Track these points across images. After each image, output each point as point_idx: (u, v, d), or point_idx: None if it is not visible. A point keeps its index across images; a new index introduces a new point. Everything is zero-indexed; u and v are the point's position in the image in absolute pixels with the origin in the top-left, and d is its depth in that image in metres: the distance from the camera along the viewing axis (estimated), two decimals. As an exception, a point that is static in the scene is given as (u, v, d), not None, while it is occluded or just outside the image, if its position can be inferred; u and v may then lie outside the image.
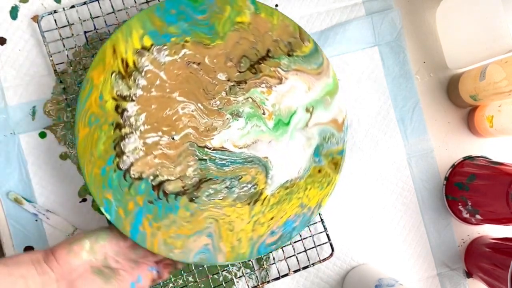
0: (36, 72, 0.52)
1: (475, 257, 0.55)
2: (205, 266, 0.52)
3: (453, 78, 0.57)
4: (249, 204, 0.49)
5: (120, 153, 0.47)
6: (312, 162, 0.50)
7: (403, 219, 0.57)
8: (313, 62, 0.50)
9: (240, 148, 0.50)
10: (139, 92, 0.48)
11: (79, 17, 0.51)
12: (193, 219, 0.48)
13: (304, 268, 0.53)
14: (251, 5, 0.49)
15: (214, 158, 0.49)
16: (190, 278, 0.52)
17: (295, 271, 0.53)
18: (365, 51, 0.56)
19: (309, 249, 0.54)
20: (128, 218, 0.46)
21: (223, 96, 0.50)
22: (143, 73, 0.48)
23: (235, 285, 0.53)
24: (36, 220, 0.51)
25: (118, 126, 0.47)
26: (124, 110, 0.47)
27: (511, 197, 0.47)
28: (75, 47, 0.51)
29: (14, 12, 0.52)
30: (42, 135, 0.52)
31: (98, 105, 0.46)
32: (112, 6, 0.52)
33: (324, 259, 0.53)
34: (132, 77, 0.47)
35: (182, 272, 0.52)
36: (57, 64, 0.51)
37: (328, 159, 0.50)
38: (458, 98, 0.56)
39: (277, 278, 0.53)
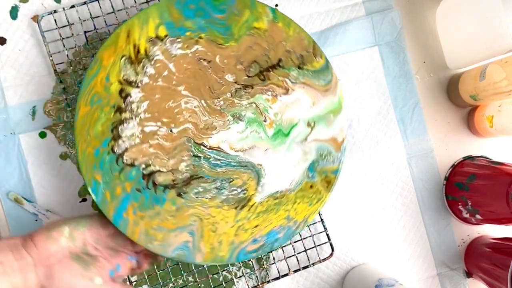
0: (36, 72, 0.52)
1: (475, 257, 0.55)
2: (205, 266, 0.52)
3: (453, 78, 0.57)
4: (236, 208, 0.49)
5: (117, 137, 0.46)
6: (305, 177, 0.50)
7: (403, 219, 0.57)
8: (322, 78, 0.50)
9: (236, 151, 0.50)
10: (145, 79, 0.48)
11: (79, 17, 0.51)
12: (178, 214, 0.47)
13: (304, 268, 0.53)
14: (270, 13, 0.49)
15: (208, 157, 0.49)
16: (190, 278, 0.52)
17: (295, 271, 0.53)
18: (365, 51, 0.56)
19: (309, 249, 0.54)
20: (113, 202, 0.45)
21: (227, 97, 0.50)
22: (152, 62, 0.48)
23: (235, 285, 0.53)
24: (36, 220, 0.51)
25: (119, 110, 0.47)
26: (127, 95, 0.47)
27: (511, 197, 0.47)
28: (75, 47, 0.51)
29: (14, 12, 0.52)
30: (42, 135, 0.52)
31: (103, 86, 0.46)
32: (112, 6, 0.52)
33: (324, 259, 0.53)
34: (141, 64, 0.47)
35: (182, 272, 0.52)
36: (57, 64, 0.51)
37: (321, 176, 0.50)
38: (458, 98, 0.56)
39: (277, 278, 0.53)
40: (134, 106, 0.47)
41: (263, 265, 0.53)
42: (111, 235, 0.45)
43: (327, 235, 0.54)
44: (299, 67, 0.50)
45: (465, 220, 0.56)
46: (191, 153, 0.49)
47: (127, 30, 0.46)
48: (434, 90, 0.58)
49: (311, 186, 0.50)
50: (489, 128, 0.55)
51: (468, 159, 0.57)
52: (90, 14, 0.51)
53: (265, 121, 0.50)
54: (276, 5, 0.55)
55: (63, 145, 0.52)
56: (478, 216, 0.53)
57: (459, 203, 0.55)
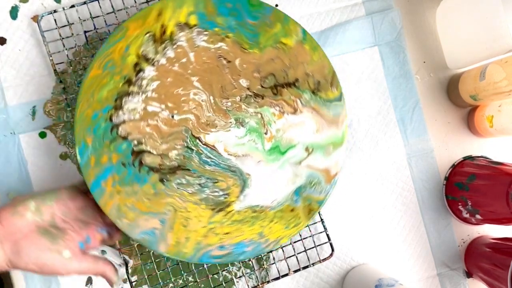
0: (36, 72, 0.52)
1: (475, 257, 0.55)
2: (205, 266, 0.52)
3: (453, 78, 0.57)
4: (213, 209, 0.49)
5: (118, 107, 0.46)
6: (289, 199, 0.50)
7: (403, 219, 0.57)
8: (332, 109, 0.50)
9: (229, 154, 0.49)
10: (162, 60, 0.48)
11: (79, 17, 0.51)
12: (154, 199, 0.47)
13: (304, 268, 0.53)
14: (301, 33, 0.49)
15: (201, 152, 0.49)
16: (190, 278, 0.52)
17: (295, 271, 0.53)
18: (365, 51, 0.56)
19: (309, 249, 0.54)
20: (96, 169, 0.45)
21: (236, 100, 0.50)
22: (174, 46, 0.48)
23: (235, 285, 0.53)
24: (36, 220, 0.51)
25: (129, 82, 0.47)
26: (141, 70, 0.47)
27: (511, 197, 0.47)
28: (75, 47, 0.51)
29: (14, 12, 0.52)
30: (42, 135, 0.52)
31: (121, 55, 0.46)
32: (112, 6, 0.52)
33: (324, 259, 0.53)
34: (163, 45, 0.47)
35: (182, 272, 0.52)
36: (57, 64, 0.51)
37: (305, 203, 0.50)
38: (458, 98, 0.56)
39: (277, 278, 0.53)
40: (144, 82, 0.47)
41: (263, 265, 0.53)
42: (80, 208, 0.45)
43: (327, 235, 0.54)
44: (313, 92, 0.50)
45: (465, 220, 0.56)
46: (185, 144, 0.49)
47: (160, 9, 0.46)
48: (434, 90, 0.58)
49: (292, 210, 0.49)
50: (489, 128, 0.55)
51: (468, 159, 0.57)
52: (90, 14, 0.51)
53: (266, 133, 0.50)
54: (276, 5, 0.55)
55: (63, 145, 0.52)
56: (478, 216, 0.53)
57: (459, 203, 0.55)
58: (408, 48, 0.57)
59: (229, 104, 0.50)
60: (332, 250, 0.54)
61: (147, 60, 0.47)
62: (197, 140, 0.49)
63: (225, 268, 0.53)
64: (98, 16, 0.51)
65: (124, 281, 0.53)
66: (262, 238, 0.48)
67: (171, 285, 0.52)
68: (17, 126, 0.51)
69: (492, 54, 0.50)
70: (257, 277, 0.54)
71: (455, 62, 0.56)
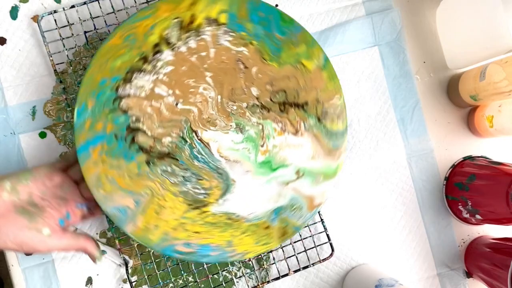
0: (36, 72, 0.52)
1: (475, 257, 0.55)
2: (204, 266, 0.52)
3: (453, 78, 0.57)
4: (189, 205, 0.48)
5: (127, 80, 0.46)
6: (266, 216, 0.49)
7: (403, 219, 0.57)
8: (333, 140, 0.50)
9: (221, 156, 0.49)
10: (183, 48, 0.48)
11: (79, 17, 0.51)
12: (136, 178, 0.47)
13: (304, 268, 0.53)
14: (323, 60, 0.49)
15: (194, 146, 0.49)
16: (190, 278, 0.52)
17: (295, 271, 0.53)
18: (365, 51, 0.56)
19: (309, 249, 0.54)
20: (89, 133, 0.45)
21: (242, 106, 0.50)
22: (198, 38, 0.48)
23: (235, 285, 0.53)
24: (36, 220, 0.51)
25: (144, 59, 0.47)
26: (159, 51, 0.47)
27: (511, 197, 0.47)
28: (75, 47, 0.51)
29: (14, 12, 0.52)
30: (42, 135, 0.52)
31: (145, 32, 0.46)
32: (112, 6, 0.52)
33: (324, 259, 0.53)
34: (188, 34, 0.48)
35: (182, 272, 0.52)
36: (57, 64, 0.51)
37: (281, 224, 0.49)
38: (458, 98, 0.56)
39: (277, 278, 0.53)
40: (159, 64, 0.47)
41: (263, 265, 0.53)
42: (58, 185, 0.45)
43: (327, 235, 0.54)
44: (319, 119, 0.50)
45: (465, 220, 0.56)
46: (181, 134, 0.49)
47: (192, 1, 0.47)
48: (434, 90, 0.58)
49: (267, 228, 0.49)
50: (489, 128, 0.55)
51: (468, 159, 0.57)
52: (90, 14, 0.51)
53: (262, 146, 0.50)
54: (276, 5, 0.55)
55: (63, 145, 0.52)
56: (478, 216, 0.53)
57: (459, 203, 0.55)
58: (408, 48, 0.57)
59: (235, 108, 0.50)
60: (332, 250, 0.54)
61: (168, 43, 0.47)
62: (194, 134, 0.49)
63: (225, 268, 0.53)
64: (98, 16, 0.51)
65: (124, 281, 0.53)
66: (230, 247, 0.48)
67: (171, 285, 0.52)
68: (17, 126, 0.51)
69: (492, 54, 0.50)
70: (257, 277, 0.54)
71: (455, 62, 0.56)
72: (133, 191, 0.46)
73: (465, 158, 0.57)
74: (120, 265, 0.52)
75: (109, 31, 0.52)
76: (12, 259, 0.51)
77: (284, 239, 0.49)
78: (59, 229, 0.43)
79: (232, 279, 0.53)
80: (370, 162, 0.56)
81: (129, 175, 0.47)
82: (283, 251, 0.54)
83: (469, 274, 0.57)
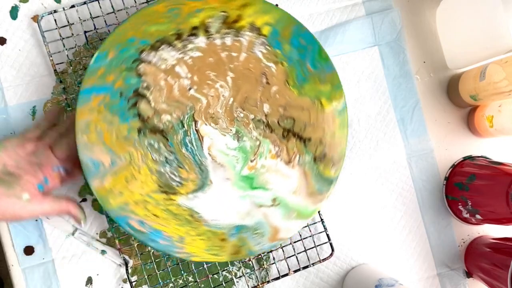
0: (36, 72, 0.52)
1: (475, 257, 0.55)
2: (205, 266, 0.52)
3: (453, 78, 0.57)
4: (159, 187, 0.48)
5: (154, 48, 0.47)
6: (227, 229, 0.49)
7: (403, 219, 0.57)
8: (320, 184, 0.50)
9: (209, 154, 0.49)
10: (217, 41, 0.48)
11: (79, 17, 0.51)
12: (122, 141, 0.46)
13: (304, 268, 0.53)
14: (341, 106, 0.50)
15: (188, 134, 0.49)
16: (190, 278, 0.52)
17: (295, 271, 0.53)
18: (365, 51, 0.56)
19: (309, 249, 0.54)
20: (98, 80, 0.45)
21: (249, 117, 0.50)
22: (235, 38, 0.49)
23: (235, 285, 0.53)
24: (36, 220, 0.51)
25: (178, 36, 0.47)
26: (195, 35, 0.48)
27: (511, 197, 0.47)
28: (75, 47, 0.51)
29: (14, 12, 0.52)
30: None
31: (189, 11, 0.47)
32: (112, 6, 0.52)
33: (324, 259, 0.53)
34: (227, 31, 0.48)
35: (182, 272, 0.52)
36: (57, 64, 0.51)
37: (237, 243, 0.48)
38: (458, 98, 0.56)
39: (277, 278, 0.53)
40: (189, 46, 0.48)
41: (263, 265, 0.54)
42: (31, 152, 0.45)
43: (327, 235, 0.54)
44: (315, 159, 0.50)
45: (465, 220, 0.56)
46: (181, 118, 0.49)
47: (248, 2, 0.47)
48: (434, 90, 0.58)
49: (223, 240, 0.48)
50: (489, 128, 0.55)
51: (468, 159, 0.57)
52: (90, 14, 0.51)
53: (251, 161, 0.50)
54: (276, 5, 0.55)
55: (63, 145, 0.52)
56: (478, 216, 0.53)
57: (459, 203, 0.55)
58: (408, 48, 0.57)
59: (241, 115, 0.50)
60: (332, 250, 0.54)
61: (206, 31, 0.48)
62: (193, 123, 0.49)
63: (225, 268, 0.53)
64: (98, 16, 0.51)
65: (124, 281, 0.53)
66: (180, 243, 0.47)
67: (171, 285, 0.52)
68: (17, 126, 0.51)
69: (492, 54, 0.50)
70: (257, 277, 0.54)
71: (455, 62, 0.56)
72: (114, 150, 0.46)
73: (465, 158, 0.57)
74: (120, 265, 0.52)
75: (109, 31, 0.52)
76: (12, 259, 0.51)
77: (234, 258, 0.48)
78: (39, 193, 0.43)
79: (232, 279, 0.53)
80: (370, 162, 0.56)
81: (117, 135, 0.46)
82: (283, 251, 0.54)
83: (469, 274, 0.57)
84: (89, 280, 0.52)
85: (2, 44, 0.51)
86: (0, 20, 0.51)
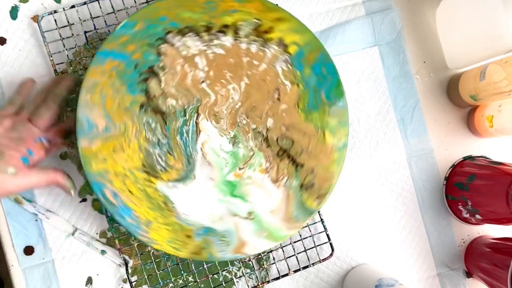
0: (36, 72, 0.52)
1: (475, 257, 0.55)
2: (205, 266, 0.52)
3: (453, 78, 0.57)
4: (143, 166, 0.48)
5: (181, 33, 0.48)
6: (196, 227, 0.48)
7: (403, 219, 0.57)
8: (298, 212, 0.49)
9: (201, 149, 0.49)
10: (243, 45, 0.49)
11: (79, 17, 0.51)
12: (122, 111, 0.47)
13: (304, 268, 0.53)
14: (342, 144, 0.50)
15: (187, 124, 0.49)
16: (190, 278, 0.52)
17: (295, 271, 0.53)
18: (365, 51, 0.56)
19: (309, 249, 0.54)
20: (118, 46, 0.45)
21: (250, 126, 0.50)
22: (262, 48, 0.49)
23: (235, 285, 0.53)
24: (36, 220, 0.51)
25: (207, 29, 0.48)
26: (224, 32, 0.49)
27: (511, 197, 0.47)
28: (75, 47, 0.51)
29: (14, 12, 0.52)
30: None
31: (225, 9, 0.48)
32: (112, 6, 0.52)
33: (324, 259, 0.53)
34: (256, 38, 0.49)
35: (182, 272, 0.52)
36: (57, 64, 0.51)
37: (201, 244, 0.47)
38: (458, 98, 0.56)
39: (277, 278, 0.53)
40: (215, 41, 0.49)
41: (263, 265, 0.54)
42: (9, 128, 0.44)
43: (327, 235, 0.54)
44: (301, 186, 0.50)
45: (465, 220, 0.56)
46: (185, 106, 0.49)
47: (283, 18, 0.48)
48: (434, 90, 0.58)
49: (188, 237, 0.47)
50: (489, 128, 0.55)
51: (468, 159, 0.57)
52: (90, 14, 0.51)
53: (239, 169, 0.50)
54: (276, 5, 0.55)
55: (63, 145, 0.52)
56: (478, 216, 0.53)
57: (459, 203, 0.55)
58: (408, 48, 0.57)
59: (244, 122, 0.50)
60: (332, 250, 0.54)
61: (235, 32, 0.49)
62: (196, 115, 0.49)
63: (225, 268, 0.53)
64: (98, 17, 0.51)
65: (124, 281, 0.53)
66: (146, 226, 0.46)
67: (171, 285, 0.52)
68: (17, 126, 0.51)
69: (492, 54, 0.50)
70: (257, 277, 0.54)
71: (455, 62, 0.56)
72: (111, 117, 0.46)
73: (465, 158, 0.57)
74: (120, 265, 0.52)
75: (109, 31, 0.52)
76: (12, 259, 0.51)
77: (193, 257, 0.47)
78: (24, 166, 0.43)
79: (232, 279, 0.53)
80: (370, 162, 0.56)
81: (119, 103, 0.47)
82: (283, 251, 0.54)
83: (469, 274, 0.57)
84: (89, 280, 0.52)
85: (2, 44, 0.51)
86: (0, 20, 0.51)
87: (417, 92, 0.57)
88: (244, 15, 0.48)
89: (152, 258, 0.52)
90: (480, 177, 0.52)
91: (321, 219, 0.54)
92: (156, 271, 0.52)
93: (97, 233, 0.52)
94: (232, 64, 0.50)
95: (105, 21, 0.51)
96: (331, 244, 0.54)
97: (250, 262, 0.53)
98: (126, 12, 0.52)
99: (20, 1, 0.52)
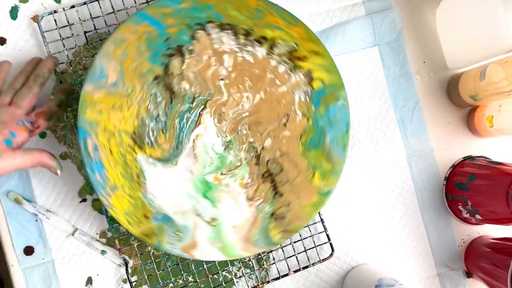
0: (36, 72, 0.52)
1: (475, 257, 0.55)
2: (204, 266, 0.52)
3: (453, 78, 0.57)
4: (133, 133, 0.48)
5: (220, 27, 0.48)
6: (156, 211, 0.47)
7: (403, 219, 0.57)
8: (258, 237, 0.48)
9: (193, 140, 0.50)
10: (273, 62, 0.50)
11: (79, 17, 0.51)
12: (137, 74, 0.47)
13: (304, 268, 0.53)
14: (327, 190, 0.49)
15: (190, 112, 0.50)
16: (190, 278, 0.52)
17: (295, 271, 0.53)
18: (365, 51, 0.56)
19: (309, 249, 0.54)
20: (158, 15, 0.46)
21: (248, 137, 0.51)
22: (288, 71, 0.50)
23: (235, 285, 0.53)
24: (36, 220, 0.51)
25: (247, 34, 0.49)
26: (260, 43, 0.49)
27: (511, 197, 0.47)
28: (75, 47, 0.51)
29: (14, 12, 0.52)
30: (42, 135, 0.52)
31: (269, 23, 0.48)
32: (112, 6, 0.52)
33: (324, 259, 0.53)
34: (287, 60, 0.50)
35: (182, 272, 0.52)
36: (57, 64, 0.51)
37: (154, 229, 0.46)
38: (458, 98, 0.56)
39: (277, 278, 0.53)
40: (249, 48, 0.49)
41: (263, 265, 0.54)
42: None
43: (327, 235, 0.54)
44: (272, 214, 0.49)
45: (465, 220, 0.56)
46: (196, 95, 0.50)
47: (318, 51, 0.49)
48: (434, 90, 0.58)
49: (145, 217, 0.47)
50: (489, 128, 0.55)
51: (468, 159, 0.57)
52: (90, 14, 0.51)
53: (221, 174, 0.50)
54: (276, 5, 0.55)
55: (63, 145, 0.52)
56: (478, 216, 0.53)
57: (459, 203, 0.55)
58: (408, 48, 0.57)
59: (244, 132, 0.51)
60: (332, 250, 0.54)
61: (270, 47, 0.49)
62: (202, 107, 0.50)
63: (225, 268, 0.53)
64: (98, 17, 0.51)
65: (124, 281, 0.53)
66: (111, 190, 0.45)
67: (171, 285, 0.52)
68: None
69: (492, 54, 0.50)
70: (257, 277, 0.54)
71: (455, 62, 0.56)
72: (124, 76, 0.47)
73: (465, 158, 0.57)
74: (120, 265, 0.52)
75: (109, 31, 0.52)
76: (12, 259, 0.51)
77: (142, 238, 0.46)
78: (8, 149, 0.43)
79: (232, 279, 0.53)
80: (370, 162, 0.56)
81: (136, 66, 0.47)
82: (283, 251, 0.54)
83: (469, 274, 0.57)
84: (89, 280, 0.52)
85: (2, 44, 0.51)
86: (0, 20, 0.51)
87: (417, 92, 0.57)
88: (285, 35, 0.49)
89: (152, 258, 0.52)
90: (480, 177, 0.52)
91: (321, 219, 0.54)
92: (156, 271, 0.52)
93: (97, 233, 0.52)
94: (256, 75, 0.50)
95: (105, 21, 0.51)
96: (331, 244, 0.54)
97: (250, 262, 0.53)
98: (126, 12, 0.52)
99: (20, 1, 0.52)
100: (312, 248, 0.54)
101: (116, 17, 0.51)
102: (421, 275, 0.57)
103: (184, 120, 0.50)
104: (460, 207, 0.55)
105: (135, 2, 0.52)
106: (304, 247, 0.54)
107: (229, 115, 0.50)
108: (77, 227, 0.52)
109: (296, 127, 0.51)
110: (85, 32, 0.51)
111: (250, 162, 0.51)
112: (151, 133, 0.49)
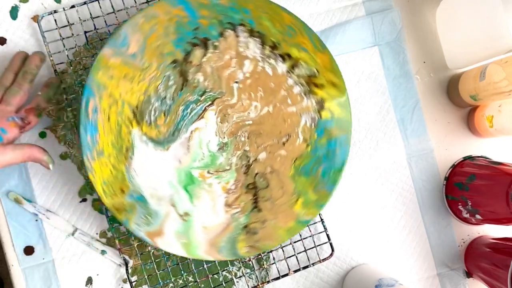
0: (36, 72, 0.52)
1: (475, 257, 0.55)
2: (205, 266, 0.52)
3: (453, 78, 0.57)
4: (136, 107, 0.48)
5: (250, 33, 0.49)
6: (134, 189, 0.47)
7: (403, 219, 0.57)
8: (224, 245, 0.48)
9: (191, 132, 0.50)
10: (290, 81, 0.50)
11: (79, 17, 0.51)
12: (157, 53, 0.48)
13: (304, 268, 0.53)
14: (306, 219, 0.49)
15: (196, 104, 0.50)
16: (190, 278, 0.52)
17: (295, 271, 0.53)
18: (365, 51, 0.56)
19: (309, 249, 0.54)
20: (195, 4, 0.47)
21: (245, 145, 0.51)
22: (302, 93, 0.50)
23: (235, 285, 0.53)
24: (36, 220, 0.51)
25: (273, 47, 0.50)
26: (283, 58, 0.50)
27: (511, 197, 0.47)
28: (75, 47, 0.51)
29: (14, 12, 0.52)
30: (42, 135, 0.52)
31: (297, 43, 0.49)
32: (112, 6, 0.52)
33: (324, 259, 0.53)
34: (305, 83, 0.50)
35: (182, 272, 0.52)
36: (57, 64, 0.51)
37: (127, 206, 0.46)
38: (458, 98, 0.56)
39: (277, 278, 0.53)
40: (271, 61, 0.50)
41: (263, 265, 0.54)
42: None
43: (327, 235, 0.54)
44: (245, 227, 0.49)
45: (465, 220, 0.56)
46: (207, 90, 0.50)
47: (337, 84, 0.49)
48: (434, 90, 0.58)
49: (122, 191, 0.47)
50: (489, 128, 0.55)
51: (468, 159, 0.57)
52: (90, 14, 0.51)
53: (208, 172, 0.51)
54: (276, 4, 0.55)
55: (63, 145, 0.52)
56: (478, 216, 0.53)
57: (459, 203, 0.55)
58: (408, 48, 0.57)
59: (242, 139, 0.51)
60: (332, 250, 0.54)
61: (292, 67, 0.50)
62: (209, 102, 0.50)
63: (225, 268, 0.53)
64: (99, 17, 0.51)
65: (124, 281, 0.53)
66: (97, 156, 0.45)
67: (171, 285, 0.52)
68: (17, 126, 0.51)
69: (492, 54, 0.50)
70: (257, 277, 0.54)
71: (455, 62, 0.56)
72: (144, 51, 0.47)
73: (465, 158, 0.57)
74: (120, 265, 0.52)
75: (109, 31, 0.52)
76: (12, 259, 0.51)
77: (112, 211, 0.45)
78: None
79: (232, 279, 0.53)
80: (370, 162, 0.56)
81: (159, 45, 0.48)
82: (283, 251, 0.54)
83: (469, 274, 0.57)
84: (89, 280, 0.52)
85: (2, 44, 0.51)
86: (0, 20, 0.51)
87: (417, 92, 0.57)
88: (309, 59, 0.49)
89: (152, 258, 0.52)
90: (480, 177, 0.52)
91: (321, 219, 0.54)
92: (156, 271, 0.52)
93: (97, 233, 0.52)
94: (270, 88, 0.51)
95: (105, 21, 0.51)
96: (331, 244, 0.54)
97: (250, 262, 0.53)
98: (126, 12, 0.52)
99: (20, 1, 0.52)
100: (312, 248, 0.54)
101: (116, 17, 0.51)
102: (421, 275, 0.57)
103: (189, 110, 0.50)
104: (460, 207, 0.55)
105: (135, 2, 0.52)
106: (304, 247, 0.54)
107: (233, 118, 0.51)
108: (77, 227, 0.52)
109: (294, 149, 0.51)
110: (85, 32, 0.51)
111: (239, 169, 0.51)
112: (153, 113, 0.49)
